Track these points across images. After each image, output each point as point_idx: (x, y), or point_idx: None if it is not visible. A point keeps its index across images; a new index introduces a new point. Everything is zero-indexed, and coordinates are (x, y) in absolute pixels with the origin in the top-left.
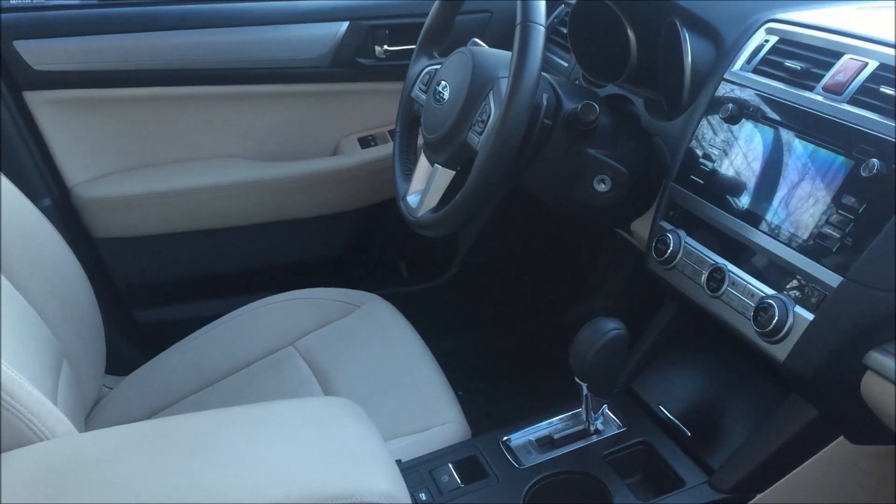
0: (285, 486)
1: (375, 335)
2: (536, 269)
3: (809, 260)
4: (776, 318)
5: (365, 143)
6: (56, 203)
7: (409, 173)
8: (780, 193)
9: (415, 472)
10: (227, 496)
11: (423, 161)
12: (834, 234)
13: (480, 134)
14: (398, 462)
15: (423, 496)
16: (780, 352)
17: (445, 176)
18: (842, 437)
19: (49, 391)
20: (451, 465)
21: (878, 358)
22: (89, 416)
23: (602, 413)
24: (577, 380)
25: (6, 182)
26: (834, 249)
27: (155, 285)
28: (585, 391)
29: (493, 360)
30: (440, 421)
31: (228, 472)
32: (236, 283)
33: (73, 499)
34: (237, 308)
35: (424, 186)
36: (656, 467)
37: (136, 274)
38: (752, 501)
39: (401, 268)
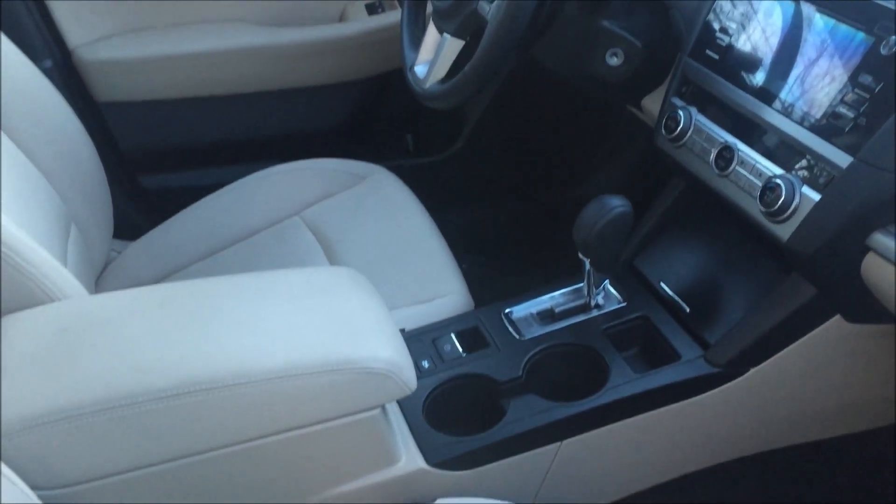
0: (291, 352)
1: (381, 207)
2: (543, 144)
3: (821, 139)
4: (783, 197)
5: (372, 9)
6: (58, 65)
7: (417, 42)
8: (797, 71)
9: (418, 340)
10: (233, 360)
11: (431, 30)
12: (848, 113)
13: (491, 2)
14: (402, 331)
15: (425, 364)
16: (784, 231)
17: (454, 46)
18: (838, 316)
19: (58, 254)
20: (453, 335)
21: (880, 239)
22: (98, 280)
23: (603, 288)
24: (580, 255)
25: (6, 41)
26: (846, 129)
27: (160, 152)
28: (588, 266)
29: (497, 234)
30: (444, 292)
31: (235, 337)
32: (242, 151)
33: (84, 358)
34: (243, 177)
35: (433, 56)
36: (653, 341)
37: (140, 140)
38: (745, 375)
39: (407, 140)
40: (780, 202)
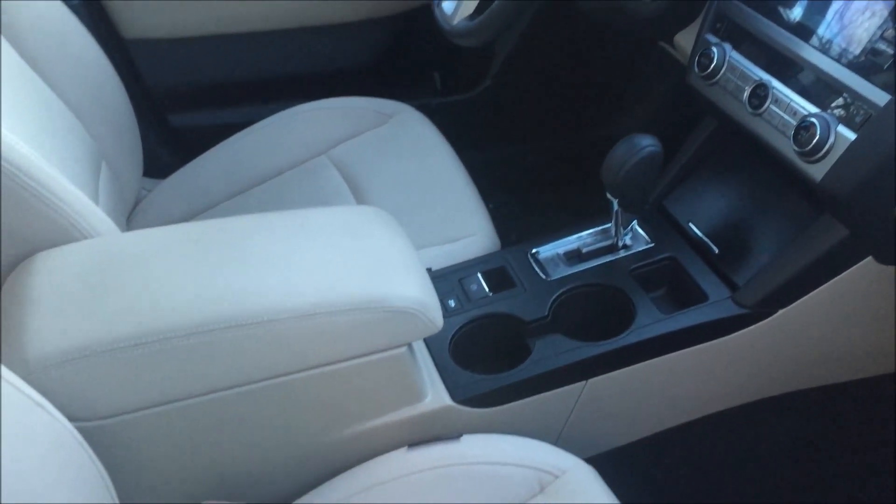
0: (319, 290)
1: (408, 146)
2: (572, 83)
3: (858, 77)
4: (817, 136)
5: None
6: (85, 2)
7: None
8: (835, 6)
9: (444, 280)
10: (263, 298)
11: None
12: (887, 50)
13: None
14: (428, 270)
15: (451, 303)
16: (818, 172)
17: None
18: (870, 258)
19: (90, 191)
20: (479, 275)
21: None
22: (129, 218)
23: (631, 229)
24: (608, 195)
25: None
26: (885, 66)
27: (188, 90)
28: (616, 207)
29: (524, 174)
30: (470, 232)
31: (264, 275)
32: (269, 89)
33: (118, 294)
34: (270, 115)
35: None
36: (681, 282)
37: (168, 78)
38: (773, 317)
39: (434, 78)
40: (814, 141)
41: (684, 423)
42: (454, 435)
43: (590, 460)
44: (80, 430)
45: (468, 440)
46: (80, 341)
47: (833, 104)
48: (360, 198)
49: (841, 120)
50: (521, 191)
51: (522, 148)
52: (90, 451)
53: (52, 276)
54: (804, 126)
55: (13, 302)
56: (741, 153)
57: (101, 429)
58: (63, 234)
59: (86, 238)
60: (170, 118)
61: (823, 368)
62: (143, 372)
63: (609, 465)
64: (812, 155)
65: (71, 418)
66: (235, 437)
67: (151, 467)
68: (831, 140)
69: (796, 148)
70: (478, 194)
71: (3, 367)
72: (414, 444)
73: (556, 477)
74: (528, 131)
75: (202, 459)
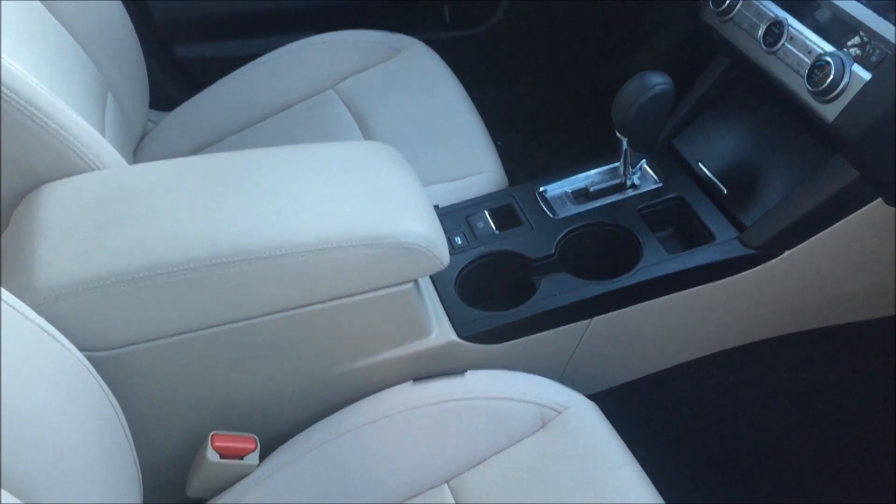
0: (326, 226)
1: (416, 81)
2: (584, 19)
3: (876, 15)
4: (831, 76)
5: None
6: None
7: None
8: None
9: (451, 217)
10: (270, 233)
11: None
12: None
13: None
14: (435, 207)
15: (458, 240)
16: (830, 112)
17: None
18: (879, 200)
19: (97, 123)
20: (486, 212)
21: None
22: (136, 150)
23: (640, 168)
24: (617, 134)
25: None
26: None
27: (195, 21)
28: (625, 146)
29: (533, 111)
30: (478, 169)
31: (272, 210)
32: (277, 21)
33: (125, 226)
34: (277, 47)
35: None
36: (688, 222)
37: (175, 9)
38: (779, 258)
39: (443, 11)
40: (828, 81)
41: (686, 361)
42: (459, 370)
43: (592, 397)
44: (90, 360)
45: (472, 375)
46: (88, 272)
47: (849, 43)
48: (367, 133)
49: (856, 59)
50: (530, 128)
51: (532, 85)
52: (100, 380)
53: (59, 208)
54: (819, 65)
55: (22, 233)
56: (753, 93)
57: (111, 359)
58: (70, 165)
59: (92, 170)
60: (176, 50)
61: (827, 310)
62: (151, 304)
63: (611, 402)
64: (825, 94)
65: (80, 348)
66: (243, 369)
67: (160, 398)
68: (845, 80)
69: (810, 87)
70: (486, 131)
71: (14, 298)
72: (419, 378)
73: (559, 413)
74: (538, 68)
75: (210, 391)
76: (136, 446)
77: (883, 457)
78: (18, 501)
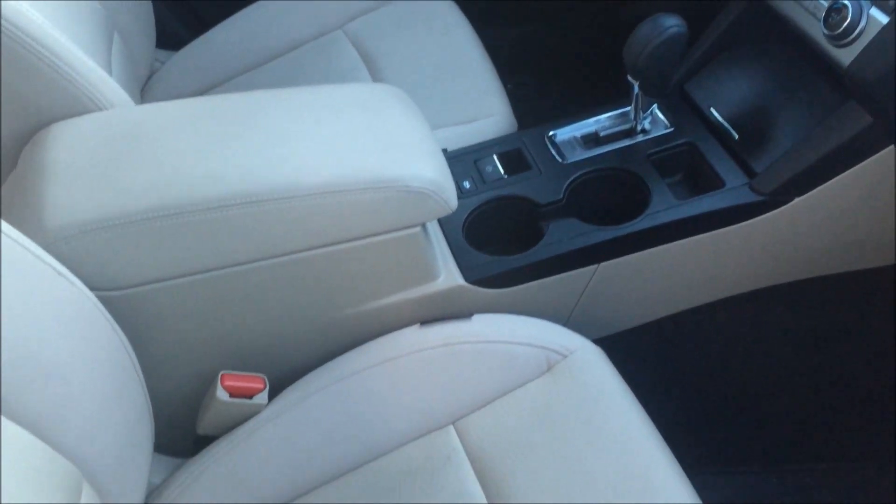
0: (334, 169)
1: (426, 22)
2: None
3: None
4: (848, 19)
5: None
6: None
7: None
8: None
9: (460, 161)
10: (278, 175)
11: None
12: None
13: None
14: (444, 151)
15: (466, 184)
16: (846, 56)
17: None
18: (892, 147)
19: (103, 62)
20: (495, 157)
21: None
22: (143, 90)
23: (651, 113)
24: (629, 78)
25: None
26: None
27: None
28: (636, 90)
29: (544, 54)
30: (487, 113)
31: (280, 152)
32: None
33: (134, 167)
34: None
35: None
36: (698, 168)
37: None
38: (789, 205)
39: None
40: (845, 24)
41: (692, 308)
42: (465, 314)
43: (598, 342)
44: (101, 300)
45: (479, 319)
46: (98, 213)
47: None
48: (375, 75)
49: (874, 2)
50: (540, 72)
51: (542, 27)
52: (111, 320)
53: (68, 148)
54: (836, 8)
55: (30, 173)
56: (768, 37)
57: (121, 299)
58: (77, 105)
59: (100, 110)
60: None
61: (836, 257)
62: (161, 245)
63: (617, 346)
64: (841, 39)
65: (91, 288)
66: (252, 310)
67: (170, 338)
68: (863, 23)
69: (826, 31)
70: (496, 74)
71: (25, 238)
72: (426, 321)
73: (564, 357)
74: (550, 9)
75: (219, 332)
76: (147, 385)
77: (884, 403)
78: (31, 435)
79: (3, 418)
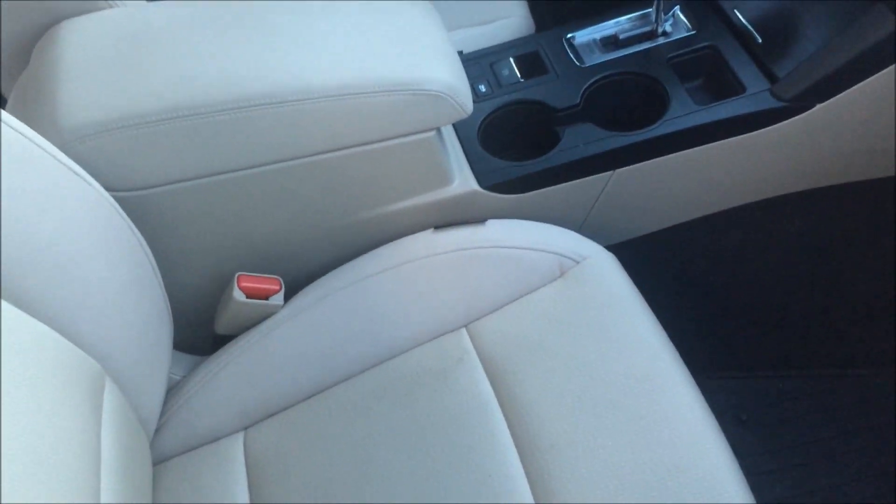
0: (349, 71)
1: None
2: None
3: None
4: None
5: None
6: None
7: None
8: None
9: (476, 63)
10: (292, 77)
11: None
12: None
13: None
14: (460, 53)
15: (482, 88)
16: None
17: None
18: None
19: None
20: (512, 59)
21: None
22: None
23: (673, 15)
24: None
25: None
26: None
27: None
28: None
29: None
30: (504, 14)
31: (295, 54)
32: None
33: (148, 67)
34: None
35: None
36: (720, 72)
37: None
38: (810, 111)
39: None
40: None
41: (706, 215)
42: (480, 219)
43: (611, 248)
44: (118, 200)
45: (493, 224)
46: (113, 113)
47: None
48: None
49: None
50: None
51: None
52: (127, 219)
53: (81, 45)
54: None
55: (43, 71)
56: None
57: (137, 199)
58: (88, 1)
59: (111, 6)
60: None
61: (855, 165)
62: (175, 146)
63: (629, 252)
64: None
65: (107, 188)
66: (267, 213)
67: (186, 239)
68: None
69: None
70: None
71: (41, 137)
72: (440, 226)
73: (577, 262)
74: None
75: (235, 233)
76: (165, 285)
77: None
78: (53, 332)
79: (25, 315)
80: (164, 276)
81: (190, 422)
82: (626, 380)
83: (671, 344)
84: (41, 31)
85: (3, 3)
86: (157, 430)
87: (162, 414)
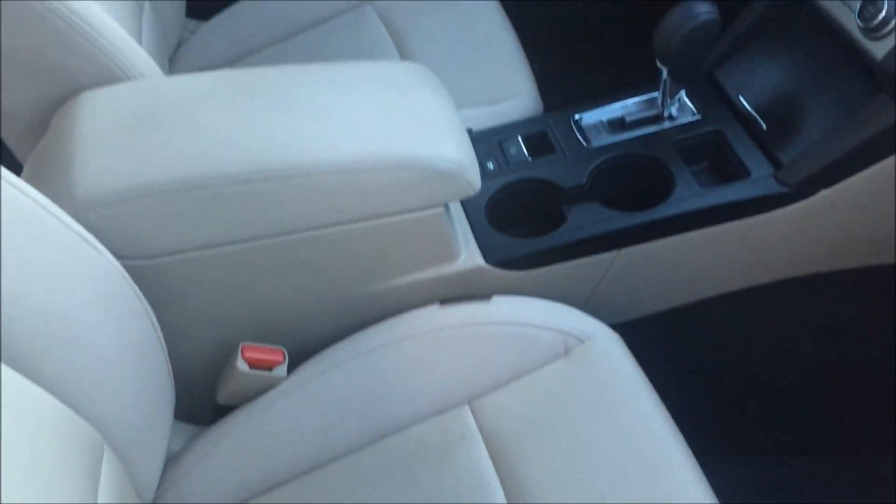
0: (360, 146)
1: (455, 1)
2: None
3: None
4: (883, 11)
5: None
6: None
7: None
8: None
9: (485, 141)
10: (304, 150)
11: None
12: None
13: None
14: (469, 131)
15: (490, 165)
16: (879, 49)
17: None
18: None
19: (133, 31)
20: (520, 138)
21: None
22: (172, 59)
23: (678, 99)
24: (658, 63)
25: None
26: None
27: None
28: (665, 75)
29: (572, 34)
30: (513, 94)
31: (307, 128)
32: None
33: (163, 138)
34: None
35: None
36: (724, 157)
37: None
38: (814, 197)
39: None
40: (880, 16)
41: (711, 296)
42: (485, 295)
43: (615, 327)
44: (126, 268)
45: (498, 301)
46: (126, 182)
47: None
48: (403, 51)
49: None
50: (569, 52)
51: (572, 7)
52: (136, 288)
53: (98, 116)
54: (871, 0)
55: (60, 141)
56: (800, 26)
57: (146, 268)
58: (107, 73)
59: (129, 79)
60: None
61: (859, 252)
62: (187, 216)
63: (634, 332)
64: (876, 31)
65: (117, 256)
66: (274, 284)
67: (193, 308)
68: None
69: (860, 23)
70: (524, 55)
71: (55, 205)
72: (445, 301)
73: (582, 341)
74: None
75: (241, 303)
76: (169, 353)
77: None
78: (54, 399)
79: (27, 381)
80: (168, 344)
81: (188, 494)
82: (630, 462)
83: (675, 426)
84: (61, 101)
85: (24, 72)
86: (155, 502)
87: (160, 485)
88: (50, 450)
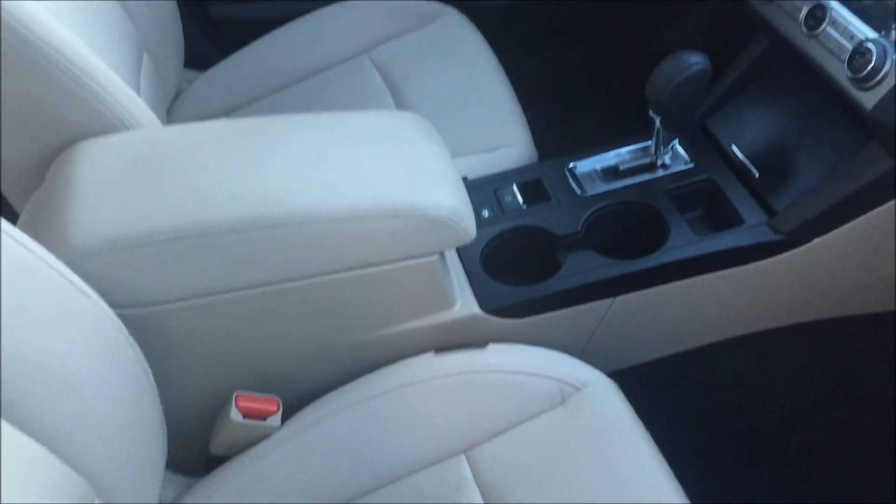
0: (356, 195)
1: (450, 50)
2: None
3: None
4: (872, 62)
5: None
6: None
7: None
8: None
9: (479, 189)
10: (299, 199)
11: None
12: None
13: None
14: (464, 179)
15: (485, 213)
16: (870, 99)
17: None
18: None
19: (132, 81)
20: (515, 186)
21: None
22: (170, 109)
23: (672, 148)
24: (651, 112)
25: None
26: None
27: None
28: (658, 125)
29: (566, 84)
30: (508, 142)
31: (302, 177)
32: None
33: (159, 187)
34: (313, 10)
35: None
36: (718, 204)
37: None
38: (808, 245)
39: None
40: (869, 67)
41: (707, 344)
42: (481, 343)
43: (612, 375)
44: (120, 317)
45: (494, 349)
46: (122, 231)
47: (893, 28)
48: (399, 101)
49: None
50: (563, 101)
51: (566, 57)
52: (129, 337)
53: (94, 166)
54: (860, 52)
55: (56, 190)
56: (791, 76)
57: (139, 316)
58: (104, 123)
59: (127, 129)
60: (211, 8)
61: (853, 299)
62: (182, 264)
63: (631, 380)
64: (865, 81)
65: (111, 305)
66: (268, 332)
67: (186, 357)
68: (887, 67)
69: (850, 73)
70: (518, 104)
71: (49, 254)
72: (441, 349)
73: (578, 389)
74: (572, 40)
75: (236, 352)
76: (162, 402)
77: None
78: (44, 449)
79: (17, 431)
80: (161, 394)
81: None
82: None
83: (672, 474)
84: (59, 151)
85: (22, 121)
86: None
87: None
88: (37, 501)
